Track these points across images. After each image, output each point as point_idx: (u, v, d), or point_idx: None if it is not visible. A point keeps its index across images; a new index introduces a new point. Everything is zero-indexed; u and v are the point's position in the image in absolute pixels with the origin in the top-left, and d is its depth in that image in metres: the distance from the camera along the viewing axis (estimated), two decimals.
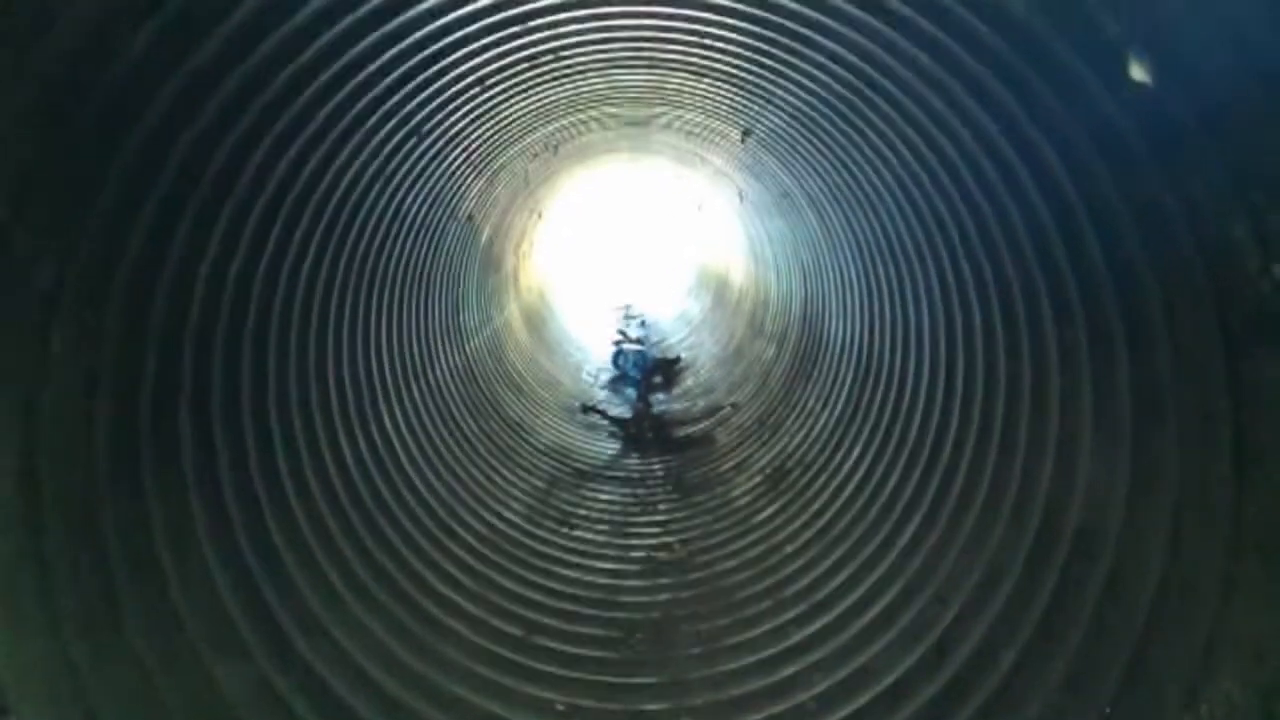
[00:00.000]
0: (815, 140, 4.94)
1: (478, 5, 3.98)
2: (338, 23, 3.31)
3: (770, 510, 5.11)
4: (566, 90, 5.48)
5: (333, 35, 3.31)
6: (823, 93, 4.37)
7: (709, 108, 5.84)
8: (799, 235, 6.51)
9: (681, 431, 7.23)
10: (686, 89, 5.60)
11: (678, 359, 9.61)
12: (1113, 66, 2.45)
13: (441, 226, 5.73)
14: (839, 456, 5.07)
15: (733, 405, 7.32)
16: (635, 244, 16.37)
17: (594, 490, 5.95)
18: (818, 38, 3.93)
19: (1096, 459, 2.88)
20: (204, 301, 3.10)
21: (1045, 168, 2.96)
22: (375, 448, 4.55)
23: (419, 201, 5.10)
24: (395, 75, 3.88)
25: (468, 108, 4.80)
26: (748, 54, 4.54)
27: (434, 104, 4.41)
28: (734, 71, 4.91)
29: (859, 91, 4.04)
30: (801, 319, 6.95)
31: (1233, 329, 2.26)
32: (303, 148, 3.48)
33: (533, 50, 4.61)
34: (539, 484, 5.80)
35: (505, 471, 5.72)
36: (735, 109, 5.56)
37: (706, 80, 5.28)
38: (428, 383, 5.68)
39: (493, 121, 5.33)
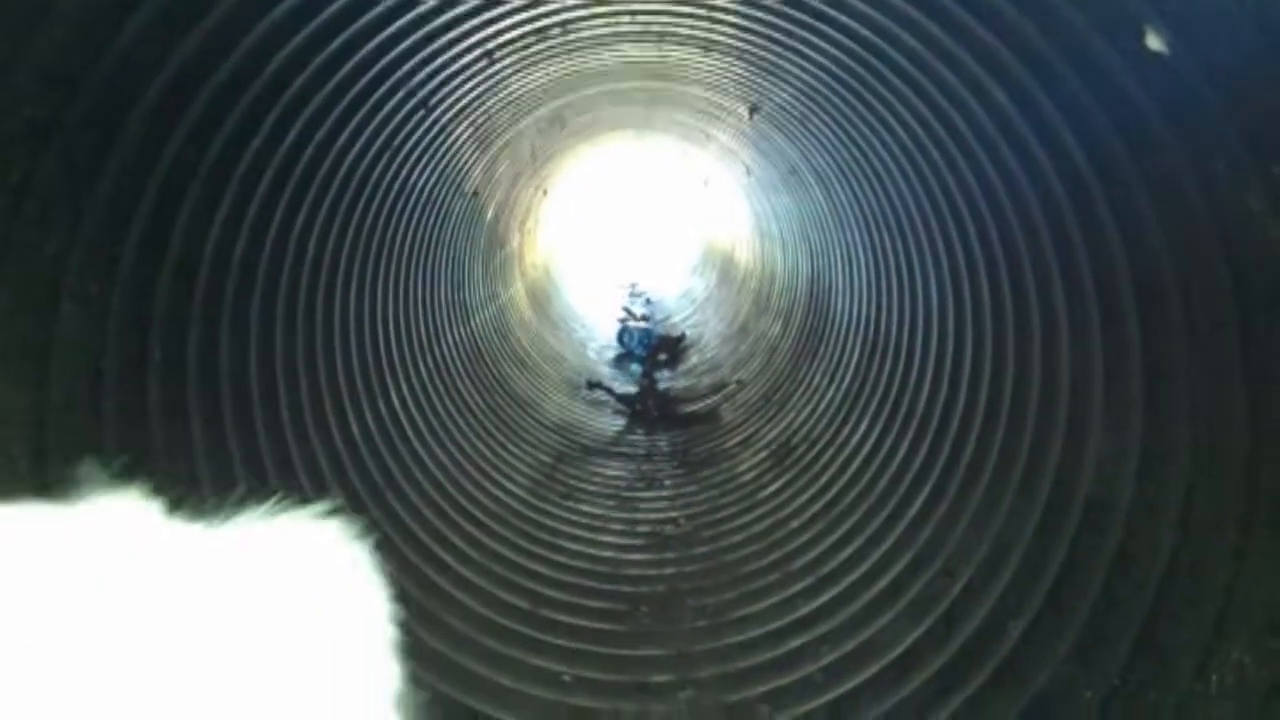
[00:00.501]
0: (824, 115, 4.91)
1: None
2: None
3: (776, 485, 5.11)
4: (574, 64, 5.45)
5: (340, 4, 3.29)
6: (832, 67, 4.33)
7: (717, 83, 5.80)
8: (806, 211, 6.48)
9: (687, 408, 7.23)
10: (694, 64, 5.57)
11: (683, 336, 9.60)
12: (1129, 37, 2.42)
13: (447, 202, 5.71)
14: (846, 431, 5.06)
15: (738, 382, 7.31)
16: (641, 222, 16.30)
17: (599, 465, 5.95)
18: (828, 10, 3.89)
19: (1107, 432, 2.87)
20: (209, 278, 3.10)
21: (1059, 141, 2.93)
22: (382, 423, 4.55)
23: (425, 177, 5.08)
24: (403, 47, 3.86)
25: (475, 81, 4.77)
26: (756, 27, 4.51)
27: (441, 76, 4.39)
28: (742, 45, 4.88)
29: (869, 65, 4.00)
30: (808, 295, 6.93)
31: (1247, 303, 2.24)
32: (309, 120, 3.47)
33: (541, 23, 4.58)
34: (545, 459, 5.80)
35: (511, 446, 5.72)
36: (743, 84, 5.52)
37: (714, 55, 5.25)
38: (433, 359, 5.67)
39: (500, 95, 5.30)
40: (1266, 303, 2.16)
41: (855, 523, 4.24)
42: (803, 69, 4.60)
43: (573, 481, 5.57)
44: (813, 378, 6.16)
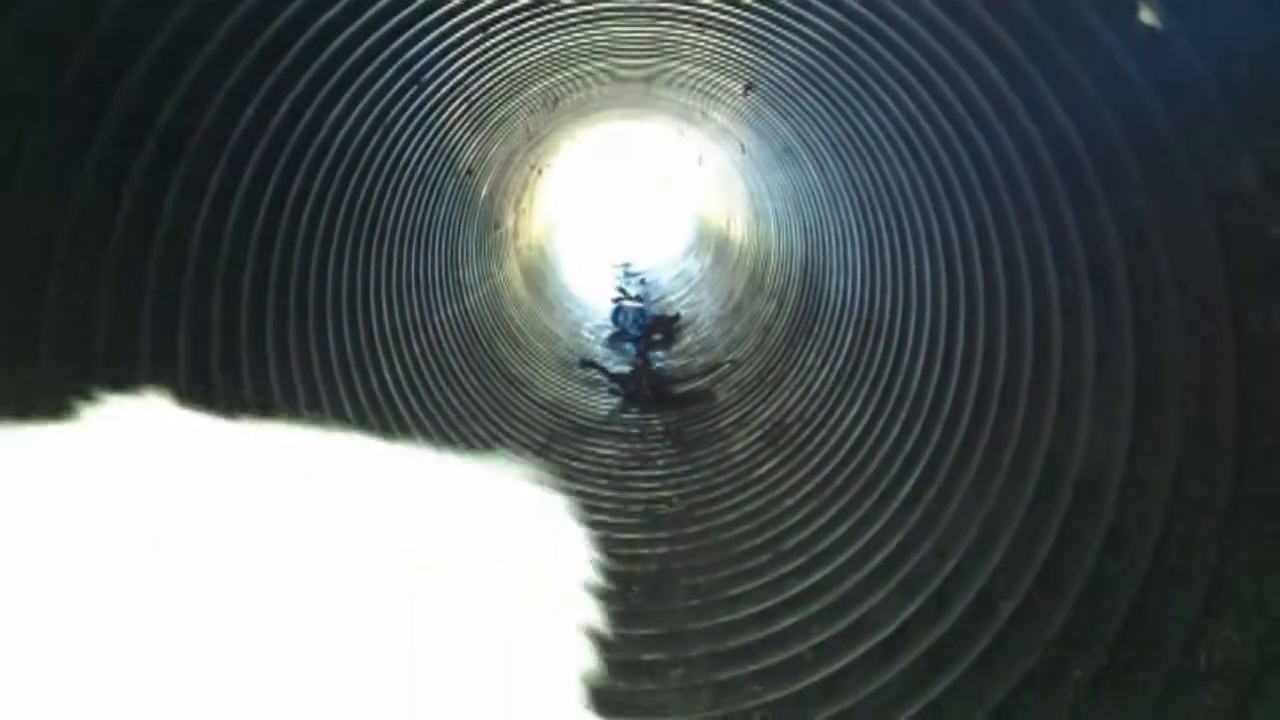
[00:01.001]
0: (818, 92, 4.88)
1: None
2: None
3: (769, 465, 5.11)
4: (568, 41, 5.41)
5: None
6: (827, 43, 4.31)
7: (712, 60, 5.77)
8: (800, 190, 6.46)
9: (681, 388, 7.22)
10: (689, 41, 5.54)
11: (677, 316, 9.59)
12: (1121, 11, 2.40)
13: (440, 180, 5.68)
14: (839, 411, 5.06)
15: (732, 362, 7.30)
16: (636, 202, 16.26)
17: (593, 445, 5.95)
18: None
19: (1098, 412, 2.86)
20: (200, 254, 3.08)
21: (1051, 117, 2.92)
22: (375, 400, 4.54)
23: (418, 153, 5.05)
24: (395, 21, 3.82)
25: (469, 56, 4.74)
26: (751, 4, 4.48)
27: (434, 51, 4.35)
28: (737, 23, 4.85)
29: (863, 41, 3.98)
30: (802, 275, 6.92)
31: (1239, 280, 2.23)
32: (300, 94, 3.44)
33: None
34: (538, 438, 5.79)
35: (505, 426, 5.71)
36: (738, 62, 5.49)
37: (710, 32, 5.22)
38: (426, 337, 5.66)
39: (494, 72, 5.26)
40: (1257, 279, 2.15)
41: (847, 503, 4.25)
42: (797, 45, 4.57)
43: (566, 460, 5.56)
44: (806, 358, 6.15)
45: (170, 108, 2.69)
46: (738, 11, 4.67)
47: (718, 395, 6.75)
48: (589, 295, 10.68)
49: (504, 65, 5.25)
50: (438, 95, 4.81)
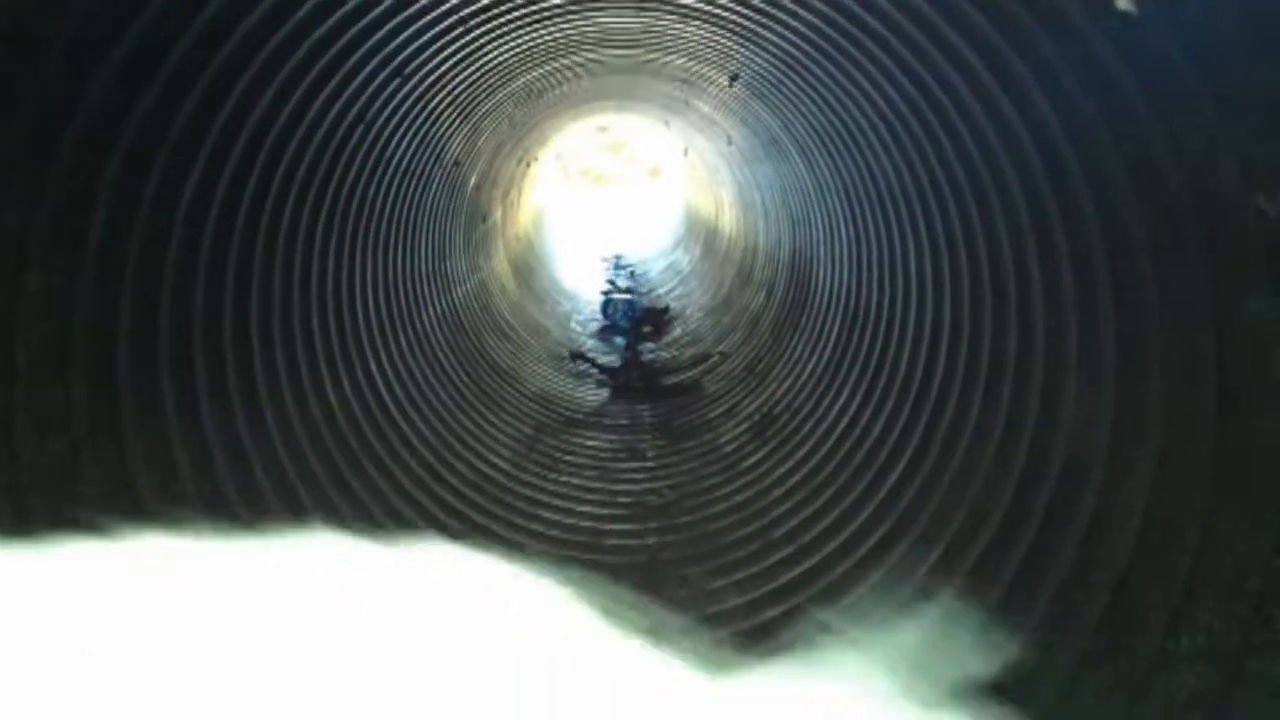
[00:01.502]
0: (803, 83, 4.89)
1: None
2: None
3: (758, 456, 5.12)
4: (551, 33, 5.40)
5: None
6: (811, 34, 4.31)
7: (696, 52, 5.77)
8: (787, 182, 6.46)
9: (669, 379, 7.23)
10: (673, 32, 5.53)
11: (666, 309, 9.59)
12: (1102, 2, 2.40)
13: (427, 172, 5.67)
14: (826, 401, 5.07)
15: (721, 353, 7.31)
16: (624, 195, 16.25)
17: (582, 437, 5.94)
18: None
19: (1081, 398, 2.87)
20: (181, 247, 3.06)
21: (1032, 107, 2.93)
22: (361, 393, 4.53)
23: (403, 145, 5.04)
24: (376, 12, 3.81)
25: (450, 49, 4.72)
26: None
27: (416, 44, 4.34)
28: (721, 13, 4.84)
29: (847, 32, 3.98)
30: (790, 267, 6.92)
31: (1217, 266, 2.24)
32: (282, 85, 3.42)
33: None
34: (526, 430, 5.79)
35: (492, 418, 5.71)
36: (723, 53, 5.49)
37: (694, 23, 5.21)
38: (414, 329, 5.65)
39: (477, 64, 5.25)
40: (1235, 266, 2.16)
41: (835, 492, 4.26)
42: (781, 37, 4.57)
43: (554, 452, 5.56)
44: (794, 349, 6.16)
45: (147, 102, 2.67)
46: (722, 2, 4.67)
47: (707, 386, 6.75)
48: (578, 287, 10.68)
49: (487, 58, 5.23)
50: (421, 88, 4.79)
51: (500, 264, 8.75)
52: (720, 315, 8.44)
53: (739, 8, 4.62)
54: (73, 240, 2.55)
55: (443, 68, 4.84)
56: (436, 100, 5.17)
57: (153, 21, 2.55)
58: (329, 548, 3.27)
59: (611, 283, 10.91)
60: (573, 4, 4.96)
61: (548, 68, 6.22)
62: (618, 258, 12.79)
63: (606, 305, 9.62)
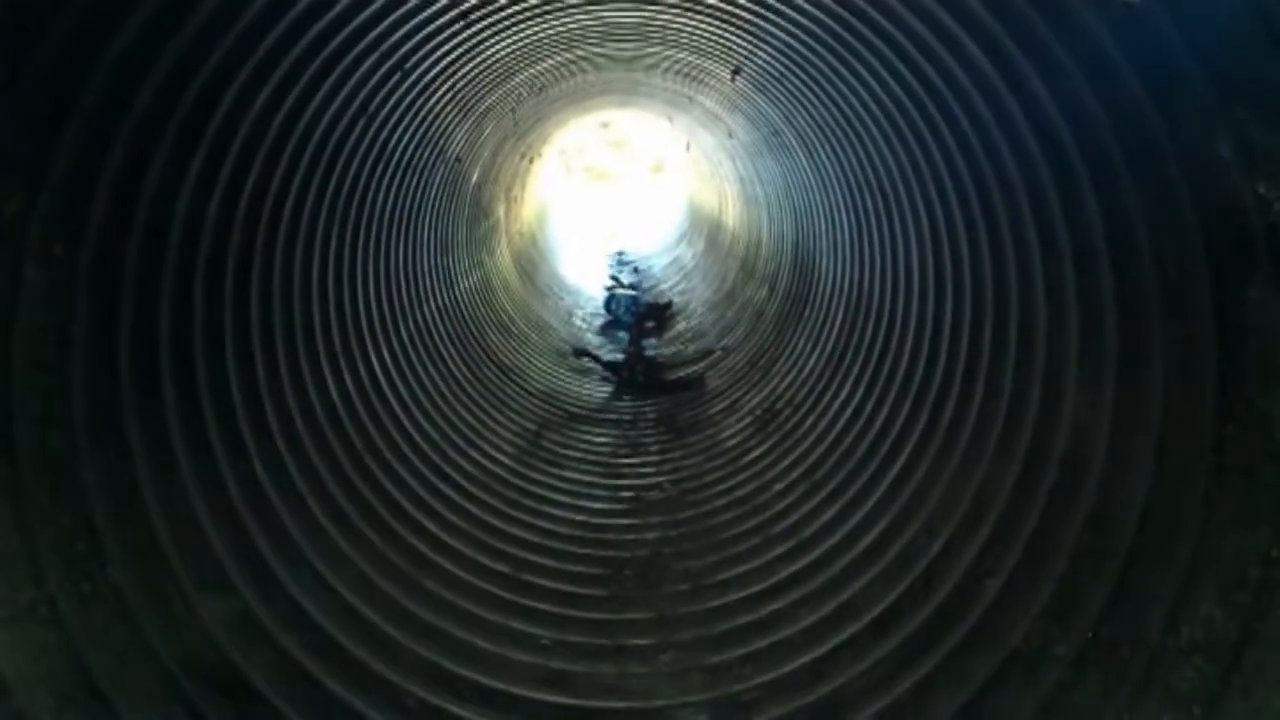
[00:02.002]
0: (805, 77, 4.88)
1: None
2: None
3: (760, 450, 5.12)
4: (553, 27, 5.39)
5: None
6: (813, 27, 4.30)
7: (699, 45, 5.76)
8: (790, 175, 6.46)
9: (673, 374, 7.23)
10: (675, 26, 5.52)
11: (669, 304, 9.59)
12: None
13: (429, 167, 5.67)
14: (828, 395, 5.06)
15: (724, 348, 7.31)
16: (628, 190, 16.25)
17: (585, 432, 5.95)
18: None
19: (1082, 390, 2.87)
20: (182, 241, 3.05)
21: (1033, 97, 2.93)
22: (363, 388, 4.53)
23: (404, 141, 5.04)
24: (377, 6, 3.80)
25: (452, 44, 4.72)
26: None
27: (417, 38, 4.33)
28: (724, 7, 4.84)
29: (849, 25, 3.98)
30: (793, 260, 6.92)
31: (1218, 256, 2.24)
32: (283, 78, 3.41)
33: None
34: (529, 426, 5.79)
35: (495, 413, 5.71)
36: (725, 46, 5.48)
37: (696, 17, 5.20)
38: (416, 324, 5.64)
39: (478, 59, 5.24)
40: (1235, 254, 2.15)
41: (837, 485, 4.26)
42: (785, 30, 4.57)
43: (558, 448, 5.57)
44: (797, 343, 6.15)
45: (146, 95, 2.66)
46: None
47: (709, 381, 6.75)
48: (582, 283, 10.68)
49: (489, 52, 5.23)
50: (423, 82, 4.79)
51: (503, 260, 8.75)
52: (723, 310, 8.43)
53: (742, 0, 4.61)
54: (71, 232, 2.54)
55: (444, 62, 4.84)
56: (438, 95, 5.16)
57: (152, 16, 2.55)
58: None
59: (615, 278, 10.91)
60: None
61: (550, 62, 6.22)
62: (621, 253, 12.79)
63: (610, 301, 9.62)
